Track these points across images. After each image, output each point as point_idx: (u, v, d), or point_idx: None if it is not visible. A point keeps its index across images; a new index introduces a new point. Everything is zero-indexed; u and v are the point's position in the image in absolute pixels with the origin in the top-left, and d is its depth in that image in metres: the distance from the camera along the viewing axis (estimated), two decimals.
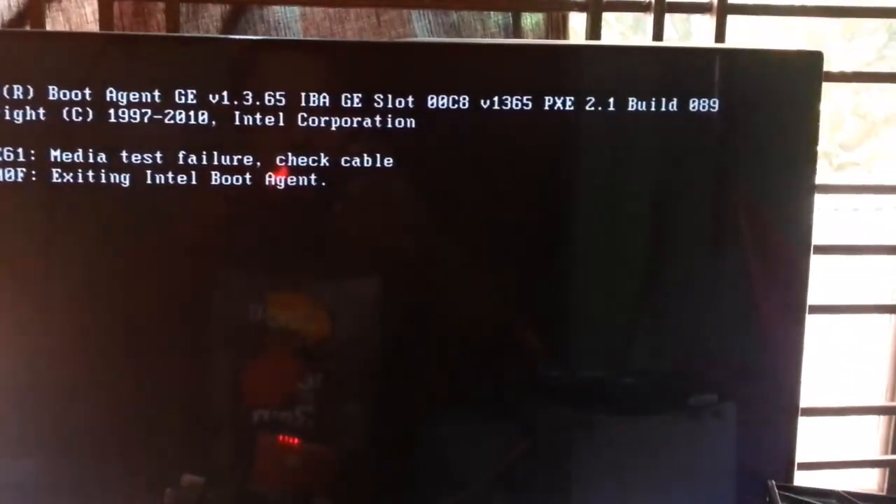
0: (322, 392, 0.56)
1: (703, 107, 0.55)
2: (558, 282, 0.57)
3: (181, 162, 0.53)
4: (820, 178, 0.57)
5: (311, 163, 0.54)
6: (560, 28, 0.62)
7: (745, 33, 0.68)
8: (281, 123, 0.53)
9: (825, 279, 0.62)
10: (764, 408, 0.58)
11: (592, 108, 0.55)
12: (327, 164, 0.54)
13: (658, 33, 0.61)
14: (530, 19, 0.64)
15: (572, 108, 0.55)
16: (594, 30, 0.61)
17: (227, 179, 0.54)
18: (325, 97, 0.54)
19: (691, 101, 0.55)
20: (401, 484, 0.58)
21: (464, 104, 0.54)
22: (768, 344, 0.58)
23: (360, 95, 0.54)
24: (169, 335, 0.56)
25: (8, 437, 0.56)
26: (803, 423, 0.59)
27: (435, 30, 0.63)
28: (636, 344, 0.58)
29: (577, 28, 0.63)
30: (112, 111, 0.53)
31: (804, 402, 0.58)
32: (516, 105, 0.55)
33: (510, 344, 0.57)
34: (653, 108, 0.55)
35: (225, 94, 0.53)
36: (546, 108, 0.55)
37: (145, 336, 0.55)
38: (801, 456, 0.59)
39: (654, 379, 0.58)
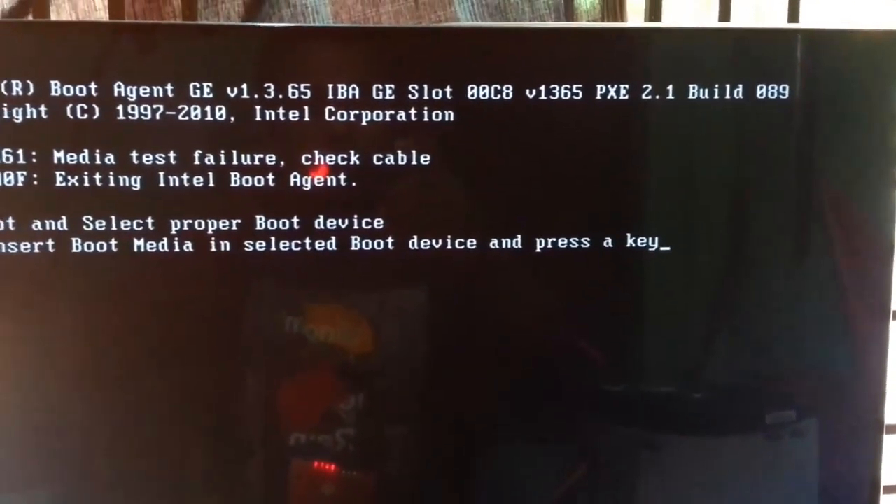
0: (364, 413, 0.51)
1: (773, 93, 0.50)
2: (622, 289, 0.52)
3: (197, 162, 0.48)
4: None
5: (339, 161, 0.49)
6: (617, 8, 0.57)
7: (822, 13, 0.62)
8: (306, 118, 0.49)
9: None
10: (845, 425, 0.52)
11: (649, 97, 0.50)
12: (357, 162, 0.49)
13: (725, 13, 0.56)
14: (585, 0, 0.59)
15: (627, 96, 0.50)
16: (654, 10, 0.55)
17: (247, 181, 0.49)
18: (354, 89, 0.49)
19: (759, 87, 0.50)
20: None
21: (507, 94, 0.49)
22: (849, 354, 0.52)
23: (393, 87, 0.49)
24: (194, 352, 0.51)
25: (19, 469, 0.51)
26: (889, 441, 0.53)
27: (479, 12, 0.58)
28: (708, 356, 0.53)
29: (637, 7, 0.58)
30: (121, 108, 0.48)
31: (889, 419, 0.53)
32: (565, 95, 0.49)
33: (569, 358, 0.52)
34: (716, 96, 0.50)
35: (244, 87, 0.48)
36: (598, 97, 0.49)
37: (168, 355, 0.50)
38: (886, 478, 0.53)
39: (728, 395, 0.52)
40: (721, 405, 0.53)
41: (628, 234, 0.51)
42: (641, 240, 0.51)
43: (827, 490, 0.53)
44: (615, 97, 0.49)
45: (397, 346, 0.51)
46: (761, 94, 0.50)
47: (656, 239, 0.51)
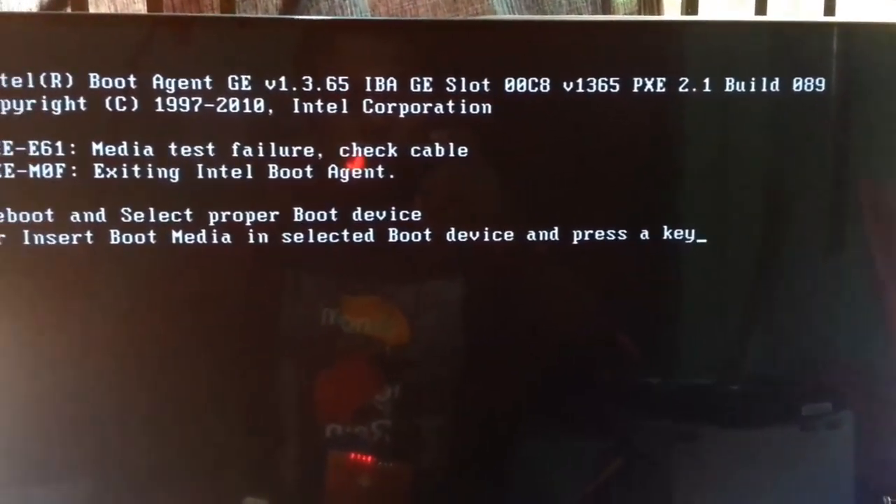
0: (400, 404, 0.51)
1: (809, 87, 0.50)
2: (658, 281, 0.52)
3: (235, 154, 0.48)
4: None
5: (377, 153, 0.49)
6: (654, 2, 0.57)
7: (858, 6, 0.63)
8: (344, 111, 0.49)
9: None
10: (881, 416, 0.53)
11: (686, 90, 0.50)
12: (395, 154, 0.49)
13: (761, 6, 0.56)
14: None
15: (663, 89, 0.50)
16: (690, 3, 0.56)
17: (285, 173, 0.49)
18: (392, 82, 0.49)
19: (795, 80, 0.50)
20: None
21: (545, 87, 0.49)
22: (885, 345, 0.52)
23: (430, 79, 0.49)
24: (231, 344, 0.50)
25: (60, 460, 0.50)
26: None
27: (515, 5, 0.58)
28: (744, 348, 0.53)
29: (673, 0, 0.58)
30: (159, 100, 0.48)
31: None
32: (602, 88, 0.49)
33: (605, 351, 0.52)
34: (752, 89, 0.50)
35: (283, 79, 0.48)
36: (635, 90, 0.50)
37: (206, 346, 0.50)
38: None
39: (763, 387, 0.52)
40: (757, 397, 0.53)
41: (665, 227, 0.51)
42: (678, 232, 0.51)
43: (862, 481, 0.53)
44: (652, 90, 0.49)
45: (433, 337, 0.51)
46: (797, 88, 0.50)
47: (693, 231, 0.51)
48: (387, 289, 0.51)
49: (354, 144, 0.49)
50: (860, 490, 0.53)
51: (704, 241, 0.51)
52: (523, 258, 0.51)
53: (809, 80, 0.50)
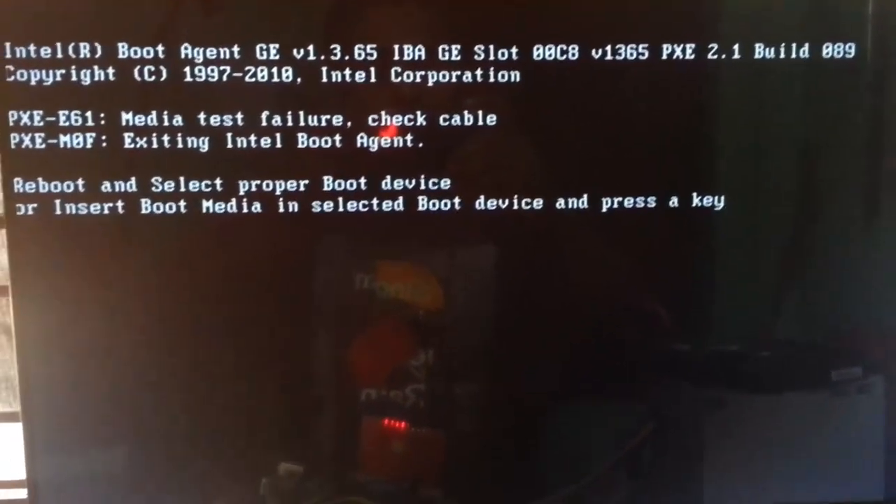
0: (435, 369, 0.51)
1: (839, 52, 0.50)
2: (688, 248, 0.52)
3: (264, 123, 0.48)
4: None
5: (406, 122, 0.49)
6: None
7: None
8: (372, 79, 0.49)
9: None
10: None
11: (715, 56, 0.50)
12: (424, 122, 0.49)
13: None
14: None
15: (693, 56, 0.50)
16: None
17: (314, 142, 0.49)
18: (420, 50, 0.49)
19: (825, 46, 0.50)
20: (517, 470, 0.53)
21: (573, 55, 0.49)
22: None
23: (459, 47, 0.49)
24: (264, 311, 0.51)
25: (97, 426, 0.51)
26: None
27: None
28: (775, 314, 0.53)
29: None
30: (187, 69, 0.48)
31: None
32: (631, 55, 0.49)
33: (636, 317, 0.52)
34: (782, 55, 0.50)
35: (311, 48, 0.48)
36: (664, 56, 0.49)
37: (238, 314, 0.51)
38: None
39: (794, 352, 0.53)
40: (787, 363, 0.53)
41: (694, 194, 0.50)
42: (707, 199, 0.51)
43: (893, 445, 0.54)
44: (681, 57, 0.49)
45: (467, 302, 0.51)
46: (827, 54, 0.50)
47: (722, 198, 0.51)
48: (420, 255, 0.51)
49: (383, 113, 0.49)
50: (890, 454, 0.54)
51: (733, 207, 0.51)
52: (553, 226, 0.51)
53: (839, 46, 0.50)
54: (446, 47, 0.49)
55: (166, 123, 0.48)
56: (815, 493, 0.54)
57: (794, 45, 0.50)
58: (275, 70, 0.48)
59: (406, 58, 0.49)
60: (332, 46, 0.48)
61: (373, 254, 0.51)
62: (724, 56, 0.49)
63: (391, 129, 0.49)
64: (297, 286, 0.51)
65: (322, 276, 0.51)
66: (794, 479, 0.54)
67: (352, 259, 0.51)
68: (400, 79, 0.49)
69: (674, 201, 0.51)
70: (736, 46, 0.50)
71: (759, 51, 0.50)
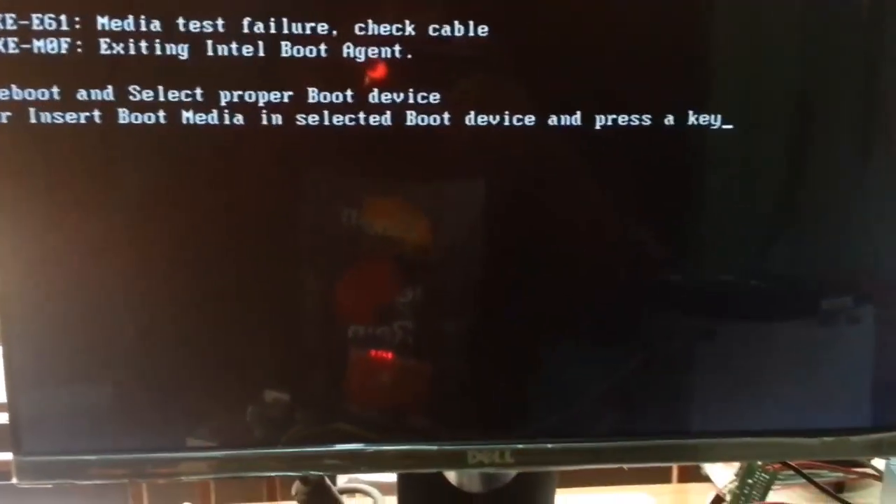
0: (422, 305, 0.50)
1: None
2: (682, 170, 0.50)
3: (246, 30, 0.46)
4: None
5: (394, 32, 0.47)
6: None
7: None
8: None
9: None
10: None
11: None
12: (413, 33, 0.47)
13: None
14: None
15: None
16: None
17: (299, 51, 0.47)
18: None
19: None
20: (504, 401, 0.53)
21: None
22: None
23: None
24: (251, 243, 0.49)
25: (81, 359, 0.50)
26: None
27: None
28: (768, 242, 0.52)
29: None
30: None
31: None
32: None
33: (627, 245, 0.51)
34: None
35: None
36: None
37: (220, 234, 0.49)
38: None
39: (785, 281, 0.52)
40: (778, 291, 0.52)
41: (690, 112, 0.49)
42: (704, 118, 0.49)
43: (882, 375, 0.53)
44: None
45: (456, 238, 0.50)
46: None
47: (719, 117, 0.49)
48: (408, 189, 0.50)
49: (370, 22, 0.47)
50: (878, 384, 0.53)
51: (731, 127, 0.49)
52: (545, 146, 0.49)
53: None
54: None
55: (143, 29, 0.46)
56: (803, 421, 0.54)
57: None
58: None
59: None
60: None
61: (360, 187, 0.49)
62: None
63: (378, 38, 0.47)
64: (282, 210, 0.49)
65: (308, 209, 0.49)
66: (783, 407, 0.54)
67: (339, 193, 0.49)
68: None
69: (670, 119, 0.49)
70: None
71: None
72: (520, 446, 0.52)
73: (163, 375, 0.51)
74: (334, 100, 0.48)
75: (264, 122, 0.47)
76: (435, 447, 0.52)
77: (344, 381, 0.52)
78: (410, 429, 0.53)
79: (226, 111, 0.47)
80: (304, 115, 0.48)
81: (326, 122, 0.48)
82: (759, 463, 0.68)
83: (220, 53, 0.46)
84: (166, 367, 0.51)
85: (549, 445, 0.53)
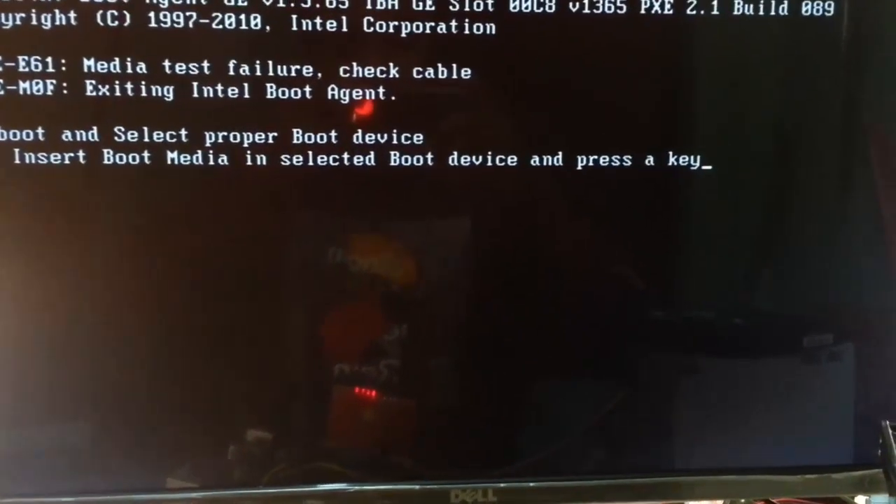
0: (406, 343, 0.50)
1: (818, 10, 0.49)
2: (663, 209, 0.51)
3: (232, 72, 0.47)
4: None
5: (378, 74, 0.48)
6: None
7: None
8: (344, 29, 0.47)
9: None
10: (882, 349, 0.53)
11: (694, 12, 0.49)
12: (397, 75, 0.48)
13: None
14: None
15: (671, 11, 0.49)
16: None
17: (284, 93, 0.47)
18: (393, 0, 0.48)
19: (804, 3, 0.49)
20: (487, 439, 0.53)
21: (550, 8, 0.48)
22: (887, 279, 0.52)
23: None
24: (235, 281, 0.50)
25: (60, 397, 0.50)
26: None
27: None
28: (749, 280, 0.53)
29: None
30: (152, 15, 0.46)
31: None
32: (609, 9, 0.48)
33: (610, 283, 0.52)
34: (761, 12, 0.49)
35: None
36: (642, 11, 0.48)
37: (208, 284, 0.49)
38: None
39: (766, 318, 0.52)
40: (759, 329, 0.53)
41: (670, 153, 0.50)
42: (683, 158, 0.50)
43: (863, 412, 0.54)
44: (659, 12, 0.48)
45: (441, 275, 0.51)
46: (806, 11, 0.49)
47: (698, 158, 0.50)
48: (392, 228, 0.50)
49: (355, 64, 0.48)
50: (862, 420, 0.54)
51: (710, 168, 0.50)
52: (527, 186, 0.50)
53: (819, 4, 0.49)
54: None
55: (129, 71, 0.47)
56: (785, 458, 0.55)
57: (773, 2, 0.49)
58: (243, 17, 0.47)
59: (378, 7, 0.47)
60: None
61: (345, 225, 0.50)
62: (702, 11, 0.49)
63: (363, 81, 0.48)
64: (267, 252, 0.50)
65: (292, 250, 0.50)
66: (765, 443, 0.54)
67: (324, 231, 0.49)
68: (372, 29, 0.47)
69: (650, 160, 0.50)
70: (715, 2, 0.49)
71: (739, 7, 0.49)
72: (502, 485, 0.52)
73: (143, 414, 0.51)
74: (319, 140, 0.48)
75: (249, 162, 0.48)
76: (417, 486, 0.52)
77: (327, 420, 0.52)
78: (392, 468, 0.53)
79: (210, 152, 0.48)
80: (288, 156, 0.48)
81: (311, 163, 0.48)
82: (742, 501, 0.68)
83: (205, 95, 0.47)
84: (147, 406, 0.51)
85: (532, 484, 0.53)
